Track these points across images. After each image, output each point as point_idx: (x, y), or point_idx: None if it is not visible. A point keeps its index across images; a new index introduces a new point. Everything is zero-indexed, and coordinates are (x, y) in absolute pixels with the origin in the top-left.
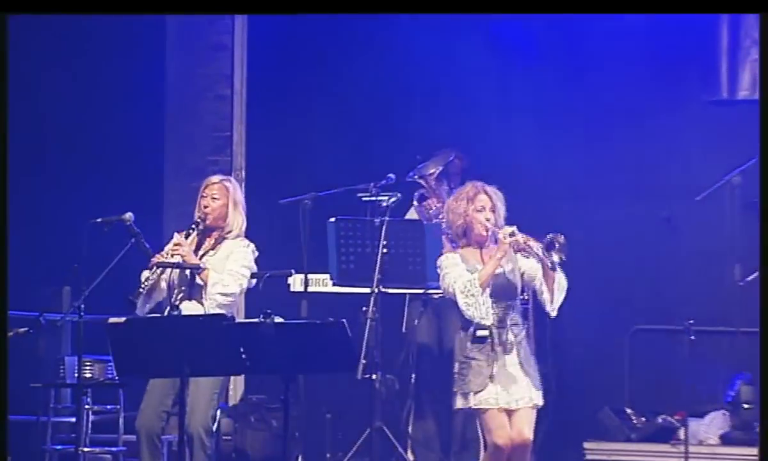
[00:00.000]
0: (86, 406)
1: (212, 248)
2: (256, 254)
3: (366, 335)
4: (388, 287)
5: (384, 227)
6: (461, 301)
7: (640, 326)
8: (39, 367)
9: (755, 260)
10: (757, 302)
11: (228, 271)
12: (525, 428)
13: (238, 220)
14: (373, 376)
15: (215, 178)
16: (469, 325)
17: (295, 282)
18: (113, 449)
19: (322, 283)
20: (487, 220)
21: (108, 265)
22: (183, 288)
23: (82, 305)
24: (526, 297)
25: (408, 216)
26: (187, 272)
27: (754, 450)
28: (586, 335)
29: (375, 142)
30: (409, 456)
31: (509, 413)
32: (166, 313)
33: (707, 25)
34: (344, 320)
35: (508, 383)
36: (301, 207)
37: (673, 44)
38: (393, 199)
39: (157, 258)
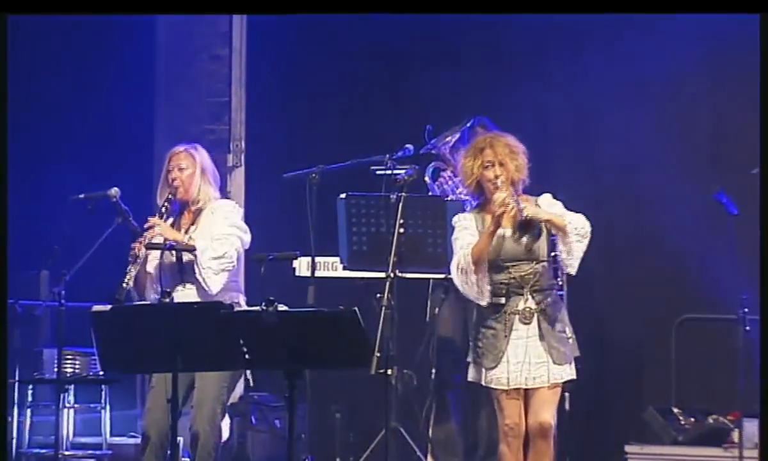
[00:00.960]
0: (67, 404)
1: (192, 223)
2: (241, 211)
3: (380, 325)
4: (405, 272)
5: (400, 204)
6: (455, 279)
7: (689, 315)
8: (14, 360)
9: None
10: None
11: (215, 236)
12: (542, 411)
13: (207, 190)
14: (389, 371)
15: (179, 147)
16: None
17: (301, 266)
18: (97, 453)
19: (331, 267)
20: (496, 177)
21: (91, 246)
22: (174, 274)
23: (63, 292)
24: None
25: None
26: (172, 254)
27: None
28: (628, 326)
29: (390, 109)
30: (429, 460)
31: (527, 392)
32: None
33: None
34: (356, 308)
35: (525, 359)
36: (307, 182)
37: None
38: (411, 173)
39: (137, 246)
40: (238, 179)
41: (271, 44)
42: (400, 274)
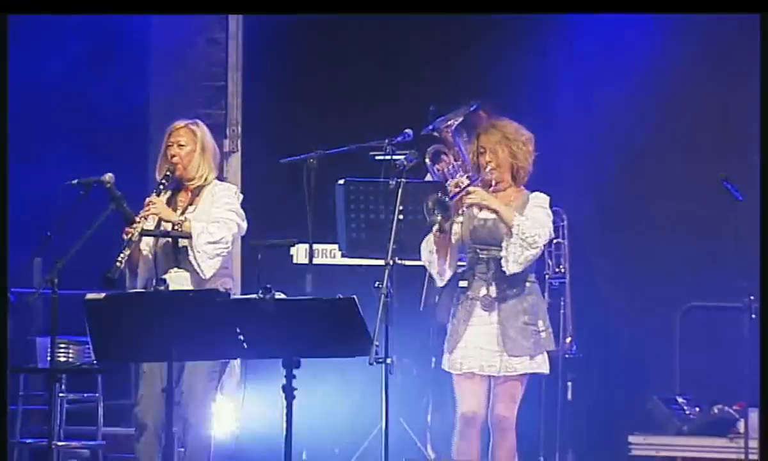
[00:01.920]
0: (60, 394)
1: (190, 203)
2: (241, 197)
3: (379, 313)
4: (405, 259)
5: (400, 190)
6: (422, 254)
7: (694, 303)
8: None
9: None
10: None
11: (213, 219)
12: (497, 403)
13: (206, 169)
14: (388, 360)
15: (180, 122)
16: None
17: (299, 253)
18: (91, 443)
19: (329, 254)
20: (488, 162)
21: (85, 233)
22: (168, 255)
23: (56, 279)
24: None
25: (427, 178)
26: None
27: None
28: (631, 313)
29: (390, 93)
30: (429, 451)
31: (491, 383)
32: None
33: None
34: (354, 296)
35: (484, 345)
36: (305, 167)
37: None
38: (411, 160)
39: (131, 230)
40: (234, 165)
41: (268, 28)
42: (399, 261)
